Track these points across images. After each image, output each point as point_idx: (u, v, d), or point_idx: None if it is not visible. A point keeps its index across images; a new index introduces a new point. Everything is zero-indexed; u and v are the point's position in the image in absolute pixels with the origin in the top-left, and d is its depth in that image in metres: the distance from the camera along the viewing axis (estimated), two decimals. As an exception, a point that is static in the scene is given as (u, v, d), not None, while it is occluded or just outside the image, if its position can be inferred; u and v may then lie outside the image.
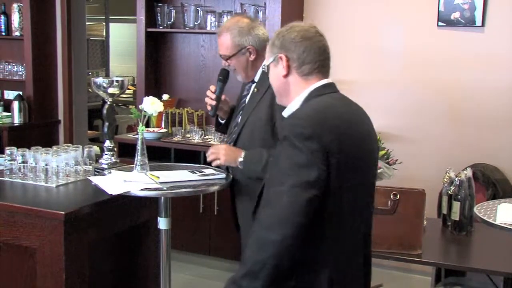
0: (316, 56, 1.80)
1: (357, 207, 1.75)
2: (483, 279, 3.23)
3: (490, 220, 2.43)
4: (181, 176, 2.59)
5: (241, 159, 2.45)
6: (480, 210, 2.70)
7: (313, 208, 1.60)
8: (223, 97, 2.67)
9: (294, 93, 1.82)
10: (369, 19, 4.06)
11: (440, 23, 3.90)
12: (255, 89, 2.58)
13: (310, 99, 1.78)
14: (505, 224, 2.30)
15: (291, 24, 1.86)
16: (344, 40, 4.12)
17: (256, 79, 2.60)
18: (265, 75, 2.53)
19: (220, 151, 2.50)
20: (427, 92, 4.00)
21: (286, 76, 1.82)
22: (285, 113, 1.86)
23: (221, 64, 2.67)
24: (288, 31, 1.83)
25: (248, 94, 2.64)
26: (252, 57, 2.56)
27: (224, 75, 2.64)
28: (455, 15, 3.87)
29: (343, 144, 1.67)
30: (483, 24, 3.81)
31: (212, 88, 2.65)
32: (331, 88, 1.83)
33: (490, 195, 3.62)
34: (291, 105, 1.83)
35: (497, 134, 3.85)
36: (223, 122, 2.79)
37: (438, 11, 3.89)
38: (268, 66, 1.88)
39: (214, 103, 2.63)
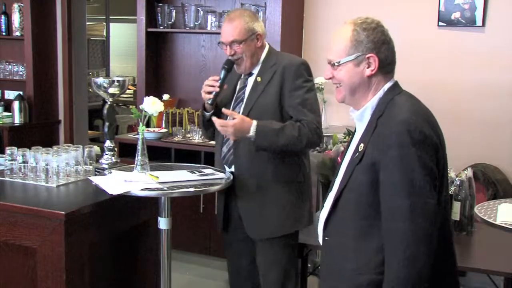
0: (394, 56, 1.80)
1: (445, 202, 1.78)
2: (483, 279, 3.23)
3: (491, 220, 2.43)
4: (180, 176, 2.59)
5: (252, 133, 2.45)
6: (481, 210, 2.69)
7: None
8: (224, 86, 2.66)
9: (372, 93, 1.79)
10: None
11: (440, 23, 3.91)
12: (258, 78, 2.61)
13: (392, 98, 1.75)
14: (505, 224, 2.30)
15: (367, 19, 1.80)
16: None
17: (255, 70, 2.64)
18: (265, 65, 2.61)
19: (229, 128, 2.45)
20: (427, 92, 3.98)
21: (371, 76, 1.77)
22: (358, 116, 1.82)
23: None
24: (375, 30, 1.77)
25: (246, 86, 2.66)
26: (259, 44, 2.61)
27: (229, 64, 2.64)
28: (456, 15, 3.87)
29: (441, 142, 1.71)
30: (483, 24, 3.82)
31: (216, 77, 2.64)
32: (399, 85, 1.82)
33: (490, 195, 3.62)
34: (365, 106, 1.79)
35: (497, 134, 3.85)
36: (208, 114, 2.70)
37: (439, 11, 3.89)
38: (342, 62, 1.77)
39: (217, 89, 2.62)
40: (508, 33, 3.79)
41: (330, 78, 1.84)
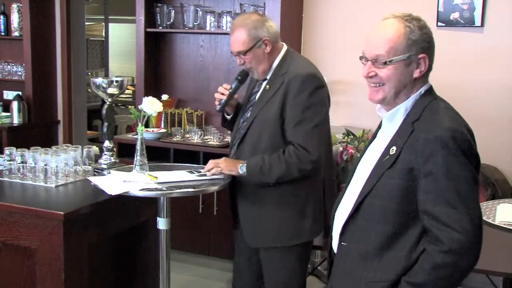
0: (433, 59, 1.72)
1: None
2: (482, 279, 3.23)
3: (490, 220, 2.43)
4: (179, 176, 2.59)
5: (243, 167, 2.46)
6: (479, 210, 2.69)
7: None
8: (235, 96, 2.67)
9: (410, 95, 1.71)
10: (368, 19, 4.04)
11: (439, 23, 3.91)
12: (267, 86, 2.56)
13: (429, 103, 1.69)
14: (504, 224, 2.30)
15: (417, 17, 1.72)
16: (344, 40, 4.13)
17: (269, 76, 2.57)
18: (277, 72, 2.54)
19: (220, 161, 2.52)
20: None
21: (419, 78, 1.69)
22: (389, 116, 1.74)
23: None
24: (426, 29, 1.68)
25: (258, 90, 2.62)
26: (268, 49, 2.52)
27: (243, 76, 2.62)
28: (455, 15, 3.87)
29: (478, 154, 1.67)
30: (482, 25, 3.82)
31: (227, 86, 2.63)
32: (434, 90, 1.76)
33: (489, 196, 3.62)
34: (399, 107, 1.72)
35: (496, 134, 3.85)
36: (229, 117, 2.77)
37: (438, 11, 3.90)
38: (394, 61, 1.67)
39: (224, 97, 2.61)
40: (507, 33, 3.79)
41: (371, 77, 1.71)
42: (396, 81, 1.69)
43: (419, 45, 1.67)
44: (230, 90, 2.62)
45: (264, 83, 2.59)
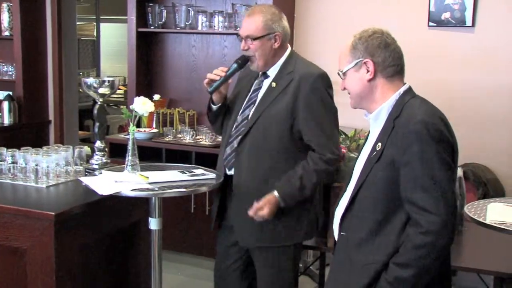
0: (397, 60, 1.90)
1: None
2: (474, 278, 3.25)
3: (481, 220, 2.44)
4: (171, 176, 2.58)
5: (281, 202, 2.42)
6: (471, 209, 2.70)
7: None
8: (230, 80, 2.60)
9: (380, 96, 1.90)
10: (359, 19, 4.06)
11: (431, 23, 3.92)
12: (273, 83, 2.52)
13: (408, 101, 1.86)
14: (495, 223, 2.31)
15: (368, 29, 1.92)
16: (335, 40, 4.12)
17: (271, 73, 2.54)
18: (283, 71, 2.52)
19: (264, 213, 2.43)
20: (417, 91, 4.00)
21: (371, 80, 1.89)
22: (374, 116, 1.91)
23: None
24: (370, 37, 1.89)
25: (260, 88, 2.58)
26: (277, 45, 2.49)
27: (243, 61, 2.55)
28: (446, 15, 3.89)
29: (455, 142, 1.83)
30: (473, 24, 3.83)
31: (224, 68, 2.57)
32: (412, 90, 1.93)
33: (481, 195, 3.64)
34: (381, 107, 1.89)
35: (488, 134, 3.86)
36: (215, 107, 2.67)
37: (429, 11, 3.91)
38: (345, 71, 1.92)
39: (218, 78, 2.54)
40: (497, 33, 3.81)
41: (344, 89, 1.96)
42: (353, 87, 1.92)
43: (360, 51, 1.88)
44: (227, 73, 2.55)
45: (268, 79, 2.55)
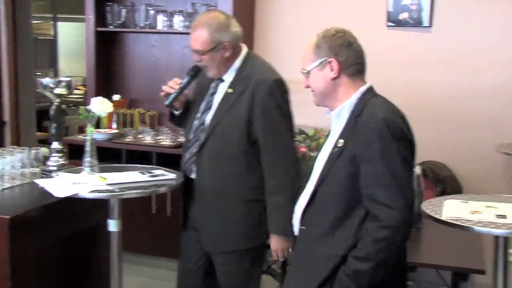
0: (359, 59, 1.96)
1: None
2: (432, 274, 3.31)
3: (437, 216, 2.48)
4: (130, 177, 2.55)
5: (279, 232, 2.44)
6: (428, 206, 2.74)
7: None
8: (185, 92, 2.58)
9: (342, 94, 1.95)
10: (318, 19, 4.07)
11: (389, 23, 3.98)
12: (229, 90, 2.47)
13: (369, 99, 1.92)
14: (450, 219, 2.35)
15: (331, 28, 1.96)
16: (297, 35, 4.12)
17: (227, 78, 2.50)
18: (239, 75, 2.47)
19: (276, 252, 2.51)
20: (376, 90, 4.06)
21: (335, 78, 1.93)
22: (336, 113, 1.97)
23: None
24: (334, 36, 1.93)
25: (216, 92, 2.54)
26: (227, 54, 2.45)
27: (195, 71, 2.53)
28: (404, 15, 3.95)
29: (413, 140, 1.91)
30: (430, 25, 3.90)
31: (178, 80, 2.54)
32: (374, 89, 1.99)
33: (439, 192, 3.70)
34: (343, 105, 1.94)
35: (445, 132, 3.95)
36: (177, 113, 2.66)
37: (387, 11, 3.97)
38: (309, 70, 1.96)
39: (172, 91, 2.52)
40: (454, 33, 3.89)
41: (307, 87, 2.00)
42: (317, 86, 1.97)
43: (324, 51, 1.92)
44: (181, 85, 2.53)
45: (223, 85, 2.51)
